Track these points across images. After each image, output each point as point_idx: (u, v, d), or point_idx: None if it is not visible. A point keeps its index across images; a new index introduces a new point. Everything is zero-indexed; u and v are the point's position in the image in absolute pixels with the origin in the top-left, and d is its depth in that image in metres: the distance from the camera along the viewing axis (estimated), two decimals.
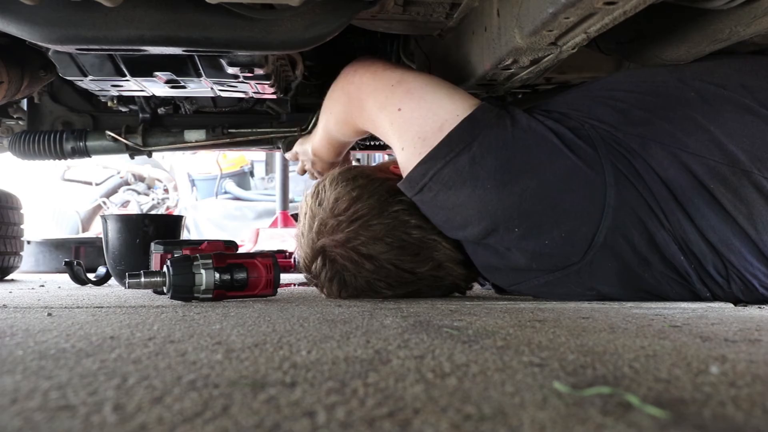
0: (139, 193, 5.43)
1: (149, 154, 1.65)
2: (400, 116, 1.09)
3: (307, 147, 1.40)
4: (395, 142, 1.11)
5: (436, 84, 1.12)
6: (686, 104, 1.03)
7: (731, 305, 1.02)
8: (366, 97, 1.14)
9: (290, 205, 4.02)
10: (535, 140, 1.02)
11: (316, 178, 1.42)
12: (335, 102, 1.23)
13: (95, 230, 4.94)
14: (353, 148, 1.65)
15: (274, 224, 3.79)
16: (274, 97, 1.47)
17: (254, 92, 1.40)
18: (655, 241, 1.00)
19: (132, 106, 1.65)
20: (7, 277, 2.07)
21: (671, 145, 0.99)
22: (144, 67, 1.22)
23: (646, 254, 1.01)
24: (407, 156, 1.09)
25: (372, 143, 1.75)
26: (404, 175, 1.11)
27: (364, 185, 1.16)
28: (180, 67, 1.21)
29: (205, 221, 4.98)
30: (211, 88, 1.35)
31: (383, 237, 1.12)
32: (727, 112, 1.01)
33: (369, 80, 1.14)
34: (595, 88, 1.13)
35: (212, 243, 1.20)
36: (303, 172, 1.49)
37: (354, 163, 1.63)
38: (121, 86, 1.34)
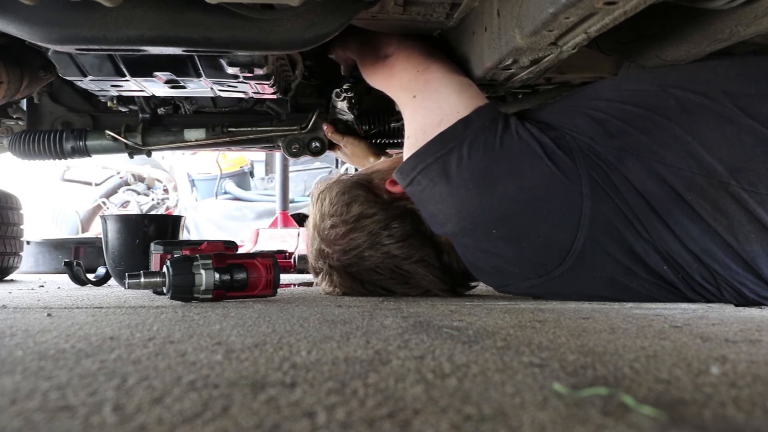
0: (138, 194, 5.42)
1: (149, 153, 1.65)
2: (413, 103, 1.16)
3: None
4: (406, 126, 1.17)
5: (452, 78, 1.16)
6: (665, 114, 1.02)
7: (732, 305, 1.02)
8: (395, 74, 1.22)
9: (290, 205, 4.02)
10: (520, 147, 1.04)
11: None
12: (372, 54, 1.28)
13: (95, 230, 4.94)
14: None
15: (273, 224, 3.78)
16: (274, 97, 1.46)
17: (254, 92, 1.40)
18: (634, 251, 1.00)
19: (132, 107, 1.65)
20: (7, 278, 2.07)
21: (647, 157, 1.00)
22: (144, 67, 1.22)
23: (630, 264, 1.02)
24: (408, 145, 1.14)
25: (388, 141, 1.74)
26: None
27: (358, 217, 1.19)
28: (180, 67, 1.21)
29: (205, 221, 4.97)
30: (211, 88, 1.35)
31: (375, 268, 1.20)
32: (706, 122, 1.00)
33: (403, 61, 1.21)
34: (580, 98, 1.14)
35: (212, 243, 1.20)
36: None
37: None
38: (121, 86, 1.34)
